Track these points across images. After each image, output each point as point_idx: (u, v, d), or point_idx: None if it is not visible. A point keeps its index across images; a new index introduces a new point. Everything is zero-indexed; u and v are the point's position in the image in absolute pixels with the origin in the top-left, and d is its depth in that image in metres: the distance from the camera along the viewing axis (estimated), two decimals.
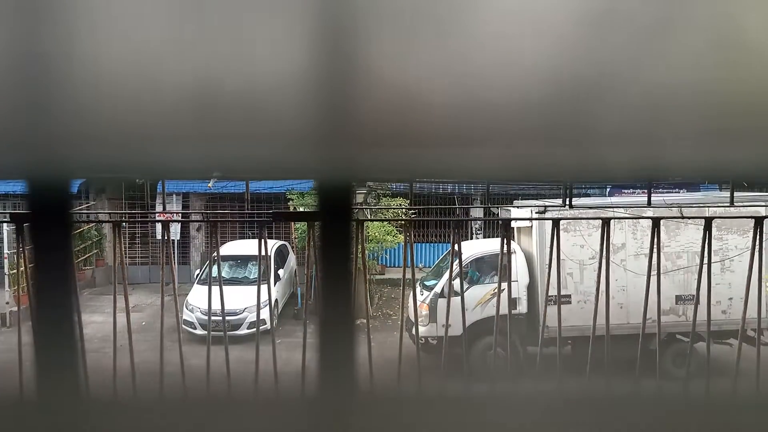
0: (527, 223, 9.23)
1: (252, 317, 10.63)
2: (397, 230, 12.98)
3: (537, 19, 0.31)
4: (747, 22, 0.32)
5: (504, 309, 3.29)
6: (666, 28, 0.32)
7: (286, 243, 13.81)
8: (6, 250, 12.05)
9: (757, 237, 2.61)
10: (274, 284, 11.35)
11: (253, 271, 12.06)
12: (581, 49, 0.32)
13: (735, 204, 4.44)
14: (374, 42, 0.30)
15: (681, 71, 0.32)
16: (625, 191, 12.62)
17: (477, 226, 15.13)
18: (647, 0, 0.32)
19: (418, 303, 8.61)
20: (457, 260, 3.33)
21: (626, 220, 8.33)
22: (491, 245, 9.70)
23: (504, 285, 3.28)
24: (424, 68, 0.31)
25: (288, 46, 0.30)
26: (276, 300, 11.36)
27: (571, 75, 0.32)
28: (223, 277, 3.44)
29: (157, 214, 11.42)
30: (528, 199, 11.76)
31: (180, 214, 13.19)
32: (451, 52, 0.31)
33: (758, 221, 2.59)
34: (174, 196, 14.18)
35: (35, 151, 0.30)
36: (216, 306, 3.29)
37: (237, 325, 10.49)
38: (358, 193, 10.88)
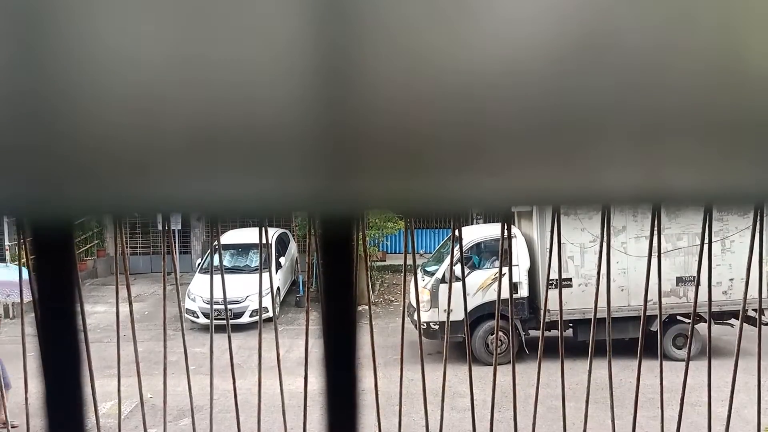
0: (528, 208, 9.23)
1: (254, 305, 10.68)
2: (397, 217, 12.99)
3: (538, 43, 0.31)
4: (751, 41, 0.32)
5: (505, 293, 3.30)
6: (669, 48, 0.31)
7: (287, 231, 13.83)
8: (7, 242, 12.08)
9: (758, 217, 2.61)
10: (276, 272, 11.38)
11: (254, 260, 12.09)
12: (584, 72, 0.31)
13: None
14: (378, 62, 0.30)
15: (684, 94, 0.32)
16: None
17: (477, 211, 15.11)
18: (647, 23, 0.31)
19: (420, 288, 8.64)
20: (458, 246, 3.33)
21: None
22: (492, 230, 9.71)
23: (505, 269, 3.28)
24: (430, 93, 0.31)
25: (289, 69, 0.30)
26: (278, 288, 11.39)
27: (575, 99, 0.31)
28: (225, 266, 3.45)
29: None
30: None
31: None
32: (456, 76, 0.31)
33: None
34: None
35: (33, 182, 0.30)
36: (218, 295, 3.30)
37: (239, 314, 10.53)
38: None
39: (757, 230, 2.63)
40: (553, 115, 0.30)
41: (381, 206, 0.32)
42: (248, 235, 12.30)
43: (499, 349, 3.78)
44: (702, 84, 0.31)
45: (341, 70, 0.29)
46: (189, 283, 11.22)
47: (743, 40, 0.31)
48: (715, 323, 7.49)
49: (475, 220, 14.90)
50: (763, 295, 2.99)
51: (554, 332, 4.21)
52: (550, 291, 3.32)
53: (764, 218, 2.58)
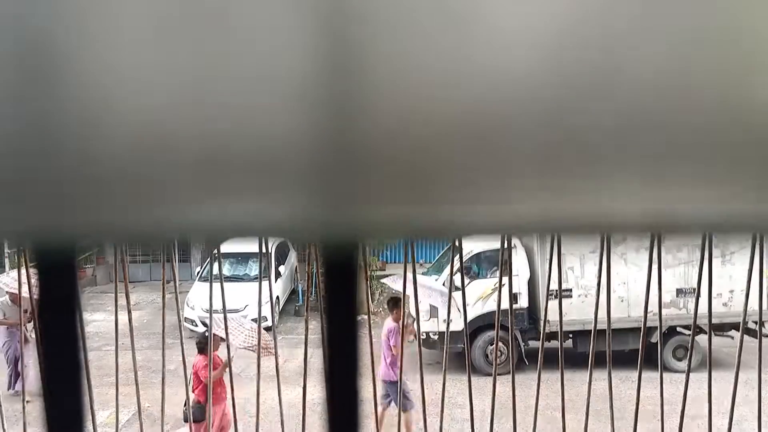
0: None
1: (253, 314, 10.65)
2: None
3: (538, 68, 0.31)
4: (754, 65, 0.32)
5: (505, 304, 3.30)
6: (671, 73, 0.31)
7: (287, 240, 13.81)
8: (7, 249, 12.07)
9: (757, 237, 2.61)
10: (275, 281, 11.36)
11: (254, 268, 12.06)
12: (585, 96, 0.31)
13: None
14: (381, 92, 0.30)
15: (692, 120, 0.32)
16: None
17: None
18: (649, 48, 0.31)
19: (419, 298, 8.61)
20: (458, 256, 3.33)
21: None
22: (492, 241, 9.70)
23: (505, 280, 3.28)
24: (432, 121, 0.31)
25: (295, 96, 0.30)
26: (277, 297, 11.36)
27: (575, 122, 0.31)
28: (224, 275, 3.45)
29: None
30: None
31: None
32: (456, 103, 0.31)
33: None
34: None
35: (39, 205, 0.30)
36: (217, 303, 3.29)
37: None
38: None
39: (757, 243, 2.63)
40: (553, 140, 0.30)
41: (383, 233, 0.32)
42: (248, 244, 12.27)
43: (498, 359, 3.76)
44: (704, 108, 0.31)
45: (347, 99, 0.29)
46: (188, 292, 11.20)
47: (746, 66, 0.31)
48: (716, 335, 7.46)
49: None
50: (764, 306, 2.99)
51: (554, 343, 4.19)
52: (550, 301, 3.32)
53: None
